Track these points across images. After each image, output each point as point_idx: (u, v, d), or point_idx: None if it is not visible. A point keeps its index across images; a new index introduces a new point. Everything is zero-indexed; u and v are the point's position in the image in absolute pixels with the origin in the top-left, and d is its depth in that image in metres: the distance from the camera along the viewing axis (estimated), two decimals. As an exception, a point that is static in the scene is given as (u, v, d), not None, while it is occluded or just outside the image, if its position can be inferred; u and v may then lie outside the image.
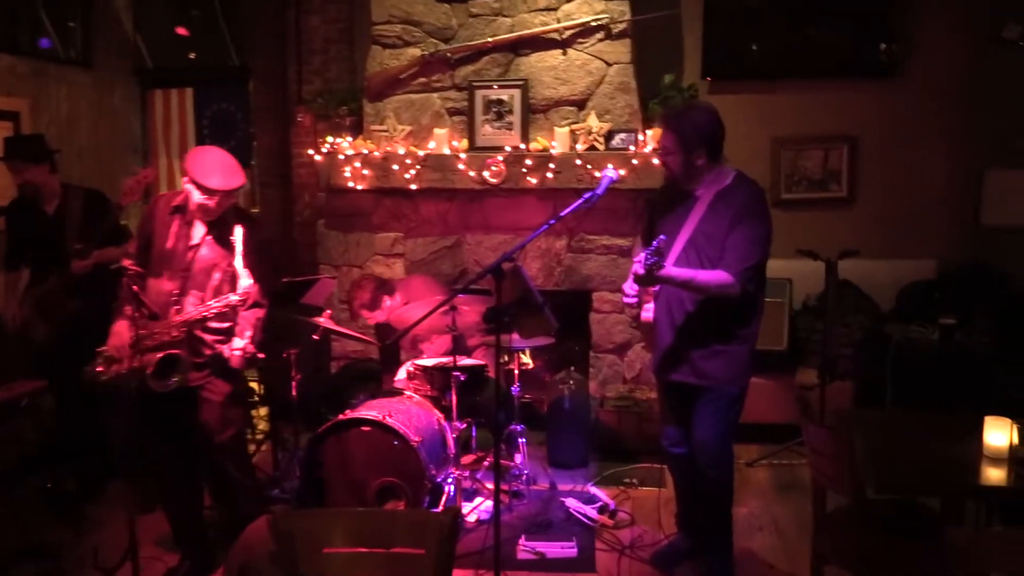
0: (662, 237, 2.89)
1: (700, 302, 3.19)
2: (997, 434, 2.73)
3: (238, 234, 3.21)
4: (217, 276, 3.35)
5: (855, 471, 2.69)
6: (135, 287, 3.08)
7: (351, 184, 5.18)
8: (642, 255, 3.17)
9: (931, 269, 5.37)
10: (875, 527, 2.83)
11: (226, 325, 3.40)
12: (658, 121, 3.27)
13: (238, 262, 3.20)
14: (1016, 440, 2.70)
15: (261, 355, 3.47)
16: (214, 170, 3.26)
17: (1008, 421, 2.73)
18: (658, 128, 3.26)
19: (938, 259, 5.40)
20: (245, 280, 3.21)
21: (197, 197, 3.27)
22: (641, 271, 2.91)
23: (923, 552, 2.73)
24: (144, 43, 6.32)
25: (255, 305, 3.41)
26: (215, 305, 3.26)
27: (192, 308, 3.31)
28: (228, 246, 3.27)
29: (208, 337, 3.38)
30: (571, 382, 4.85)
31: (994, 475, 2.66)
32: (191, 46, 6.45)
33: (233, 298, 3.23)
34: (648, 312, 3.29)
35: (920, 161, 5.45)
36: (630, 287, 3.31)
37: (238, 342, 3.38)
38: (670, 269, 2.98)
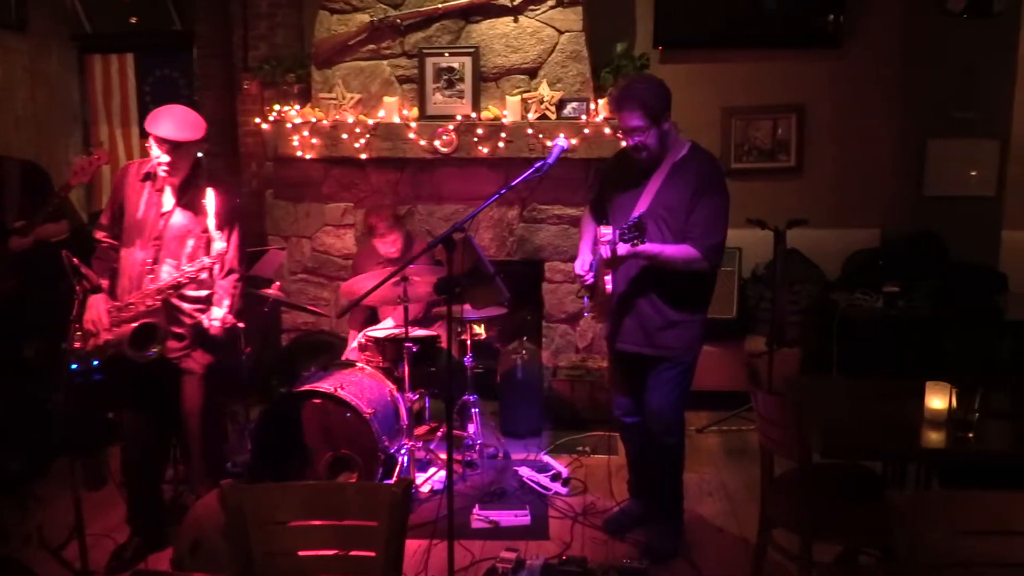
0: (640, 211, 2.88)
1: (657, 274, 3.21)
2: (937, 398, 2.80)
3: (210, 198, 3.15)
4: (191, 243, 3.29)
5: (802, 437, 2.74)
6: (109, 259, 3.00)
7: (299, 153, 5.10)
8: (609, 232, 3.18)
9: (875, 238, 5.48)
10: (821, 491, 2.90)
11: (204, 294, 3.35)
12: (615, 104, 3.20)
13: (211, 225, 3.15)
14: (955, 404, 2.78)
15: (241, 324, 3.43)
16: (165, 120, 3.19)
17: (947, 386, 2.80)
18: (619, 111, 3.19)
19: (882, 228, 5.51)
20: (219, 244, 3.16)
21: (154, 153, 3.21)
22: (607, 254, 2.91)
23: (866, 514, 2.80)
24: (82, 6, 6.09)
25: (230, 272, 3.36)
26: (189, 269, 3.20)
27: (167, 277, 3.26)
28: (200, 211, 3.21)
29: (187, 306, 3.32)
30: (524, 352, 4.86)
31: (933, 438, 2.73)
32: (131, 10, 6.24)
33: (206, 260, 3.18)
34: (609, 283, 3.30)
35: (866, 131, 5.53)
36: (583, 266, 3.31)
37: (216, 311, 3.33)
38: (643, 244, 2.96)
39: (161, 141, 3.19)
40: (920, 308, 4.82)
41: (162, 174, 3.25)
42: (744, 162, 5.64)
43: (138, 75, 6.08)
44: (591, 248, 3.42)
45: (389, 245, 4.43)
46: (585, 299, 3.48)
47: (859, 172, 5.56)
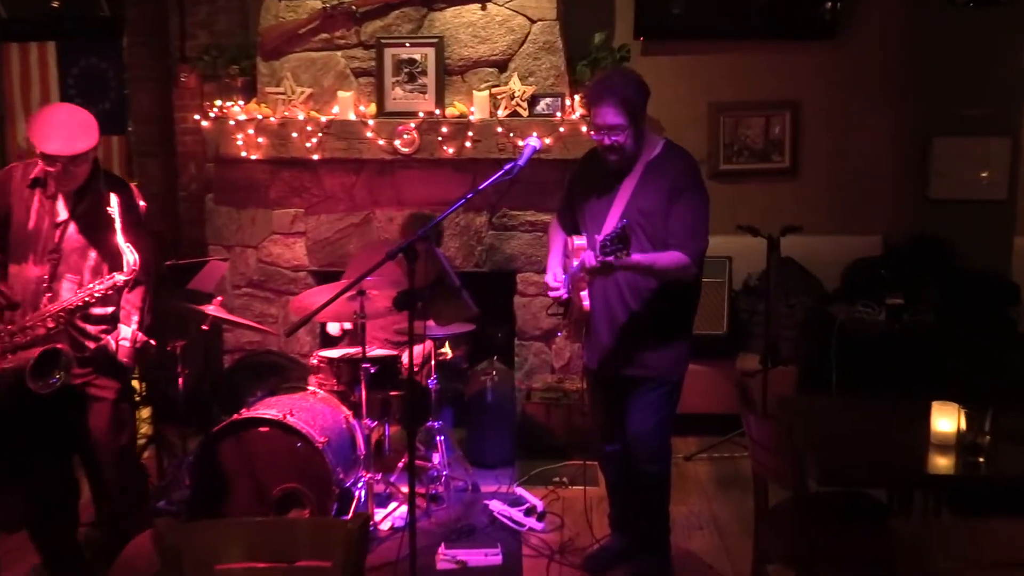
0: (624, 221, 2.88)
1: (637, 286, 3.23)
2: (944, 420, 2.84)
3: (114, 204, 3.08)
4: (94, 255, 3.21)
5: (797, 463, 2.76)
6: None
7: (244, 154, 5.07)
8: (584, 242, 3.19)
9: (877, 245, 5.55)
10: (819, 521, 2.93)
11: (110, 311, 3.28)
12: (592, 97, 3.22)
13: (119, 236, 3.07)
14: (964, 426, 2.81)
15: (153, 342, 3.36)
16: (53, 132, 3.04)
17: (955, 406, 2.83)
18: (595, 107, 3.20)
19: (885, 235, 5.58)
20: (130, 255, 3.08)
21: (44, 164, 3.11)
22: (593, 262, 2.91)
23: (869, 545, 2.83)
24: (-3, -10, 6.03)
25: (137, 284, 3.28)
26: (98, 288, 3.12)
27: (69, 294, 3.16)
28: (102, 220, 3.12)
29: (91, 327, 3.25)
30: (494, 373, 4.86)
31: (941, 463, 2.77)
32: (53, -6, 6.17)
33: (119, 277, 3.11)
34: (586, 299, 3.30)
35: (865, 130, 5.61)
36: (555, 278, 3.33)
37: (125, 330, 3.25)
38: (634, 255, 2.94)
39: (52, 160, 3.07)
40: (926, 321, 4.89)
41: (64, 189, 3.16)
42: (734, 163, 5.70)
43: (60, 66, 6.01)
44: (561, 260, 3.43)
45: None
46: (558, 317, 3.49)
47: (859, 174, 5.64)
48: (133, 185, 3.41)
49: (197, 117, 5.34)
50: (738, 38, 5.54)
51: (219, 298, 4.34)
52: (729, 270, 5.26)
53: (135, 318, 3.29)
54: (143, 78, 5.75)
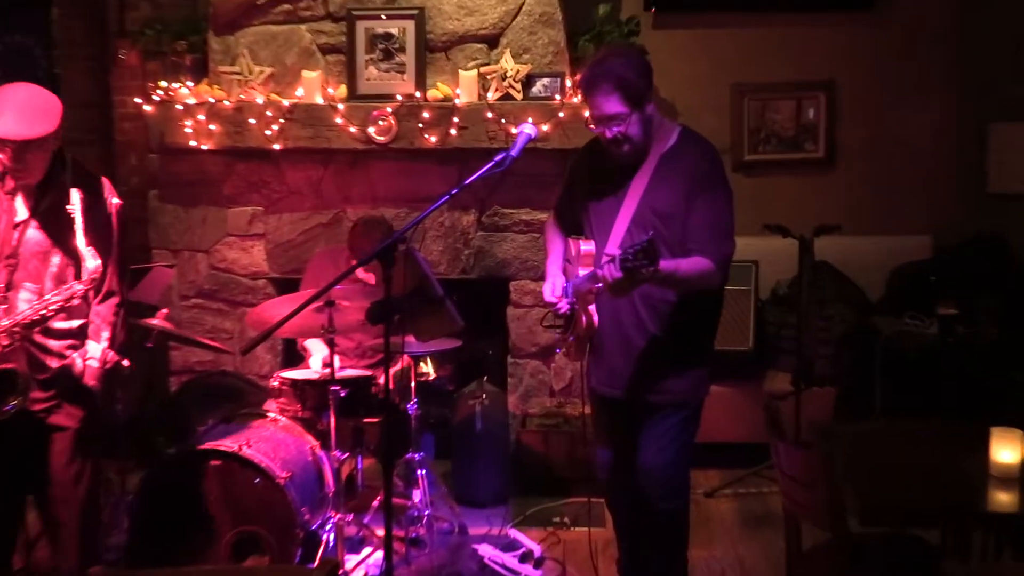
0: (651, 233, 2.86)
1: (653, 299, 3.22)
2: (1006, 449, 2.83)
3: (75, 201, 3.06)
4: (56, 261, 3.17)
5: (835, 499, 2.76)
6: None
7: (193, 143, 5.07)
8: (591, 248, 3.17)
9: (927, 247, 5.56)
10: (862, 567, 2.92)
11: (77, 324, 3.24)
12: (586, 86, 3.21)
13: (79, 238, 3.04)
14: (1028, 455, 2.81)
15: (126, 363, 3.34)
16: (6, 112, 3.00)
17: (1019, 433, 2.82)
18: (590, 95, 3.19)
19: (935, 234, 5.59)
20: (91, 261, 3.06)
21: None
22: (618, 273, 2.86)
23: (919, 596, 2.83)
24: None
25: (109, 295, 3.26)
26: (55, 299, 3.08)
27: (26, 306, 3.13)
28: (66, 219, 3.08)
29: (53, 343, 3.21)
30: (483, 396, 4.85)
31: (1003, 499, 2.76)
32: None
33: (77, 286, 3.08)
34: (596, 315, 3.30)
35: (911, 113, 5.63)
36: (553, 291, 3.31)
37: (93, 347, 3.22)
38: (661, 265, 2.87)
39: (2, 144, 3.03)
40: (984, 334, 4.89)
41: (20, 181, 3.16)
42: (760, 153, 5.71)
43: (-21, 42, 6.01)
44: (562, 266, 3.42)
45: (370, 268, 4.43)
46: (556, 332, 3.48)
47: (905, 164, 5.66)
48: (106, 180, 3.39)
49: (139, 101, 5.33)
50: (764, 9, 5.56)
51: (164, 310, 4.33)
52: (755, 277, 5.26)
53: (105, 334, 3.25)
54: (76, 56, 5.74)
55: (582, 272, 3.25)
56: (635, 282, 2.89)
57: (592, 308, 3.26)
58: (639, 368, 3.28)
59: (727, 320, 4.98)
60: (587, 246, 3.27)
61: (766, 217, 4.89)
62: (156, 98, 5.16)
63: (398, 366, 4.41)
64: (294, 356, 5.08)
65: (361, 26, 5.04)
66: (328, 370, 4.00)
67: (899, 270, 5.45)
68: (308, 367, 4.49)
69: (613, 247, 3.13)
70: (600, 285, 3.00)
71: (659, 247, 2.81)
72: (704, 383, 3.35)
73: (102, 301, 3.26)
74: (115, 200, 3.35)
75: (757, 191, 5.47)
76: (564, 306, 3.29)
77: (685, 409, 3.32)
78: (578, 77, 4.94)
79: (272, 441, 3.88)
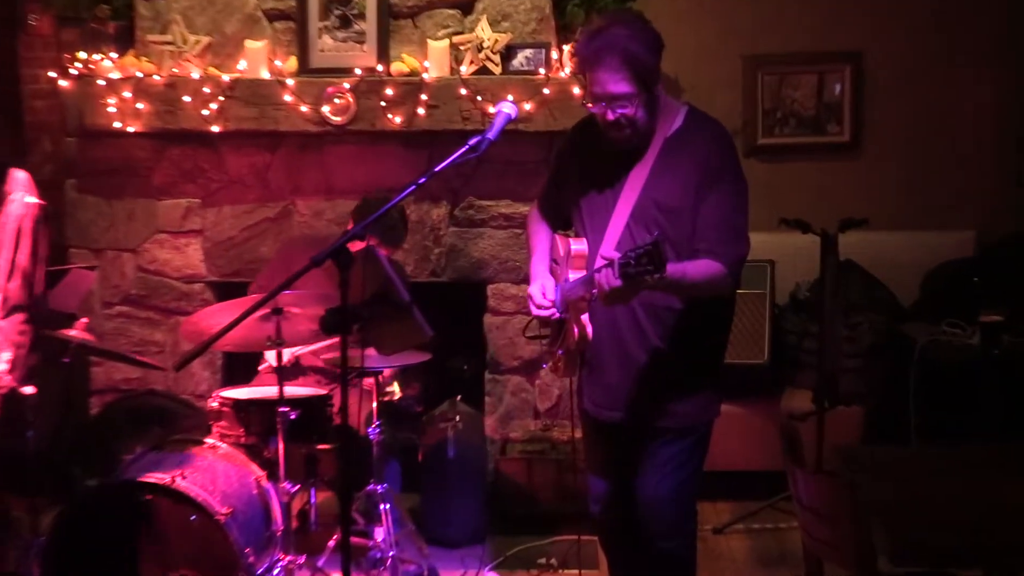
0: (657, 234, 2.82)
1: (656, 306, 3.22)
2: (1060, 477, 2.85)
3: None
4: None
5: (862, 535, 2.77)
6: None
7: (118, 124, 5.05)
8: (583, 248, 3.16)
9: (968, 244, 5.59)
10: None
11: None
12: (587, 58, 3.18)
13: None
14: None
15: (28, 390, 3.36)
16: None
17: (1075, 457, 2.85)
18: (592, 70, 3.17)
19: (978, 230, 5.62)
20: None
21: None
22: (616, 281, 2.84)
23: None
24: None
25: (14, 310, 3.29)
26: None
27: None
28: None
29: None
30: (457, 419, 4.85)
31: (1055, 535, 2.78)
32: None
33: None
34: (590, 326, 3.28)
35: (952, 90, 5.66)
36: (543, 295, 3.28)
37: None
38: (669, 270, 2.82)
39: None
40: (1034, 345, 4.92)
41: None
42: (777, 136, 5.73)
43: None
44: (549, 265, 3.41)
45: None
46: (542, 344, 3.46)
47: (944, 149, 5.69)
48: (16, 173, 3.37)
49: (53, 75, 5.30)
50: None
51: (84, 320, 4.30)
52: (771, 279, 5.28)
53: (6, 355, 3.27)
54: (-23, 23, 5.72)
55: (572, 276, 3.23)
56: (636, 290, 2.88)
57: (585, 318, 3.23)
58: (639, 386, 3.28)
59: (739, 329, 4.99)
60: (579, 245, 3.26)
61: (783, 210, 4.91)
62: (73, 72, 5.12)
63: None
64: (236, 372, 5.06)
65: (314, -12, 5.04)
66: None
67: (936, 271, 5.47)
68: (258, 383, 4.48)
69: (609, 247, 3.11)
70: (596, 291, 2.98)
71: (666, 249, 2.77)
72: (713, 403, 3.35)
73: (5, 315, 3.25)
74: (29, 199, 3.33)
75: (773, 180, 5.49)
76: (554, 312, 3.27)
77: (692, 433, 3.32)
78: (567, 48, 4.97)
79: (210, 472, 3.85)
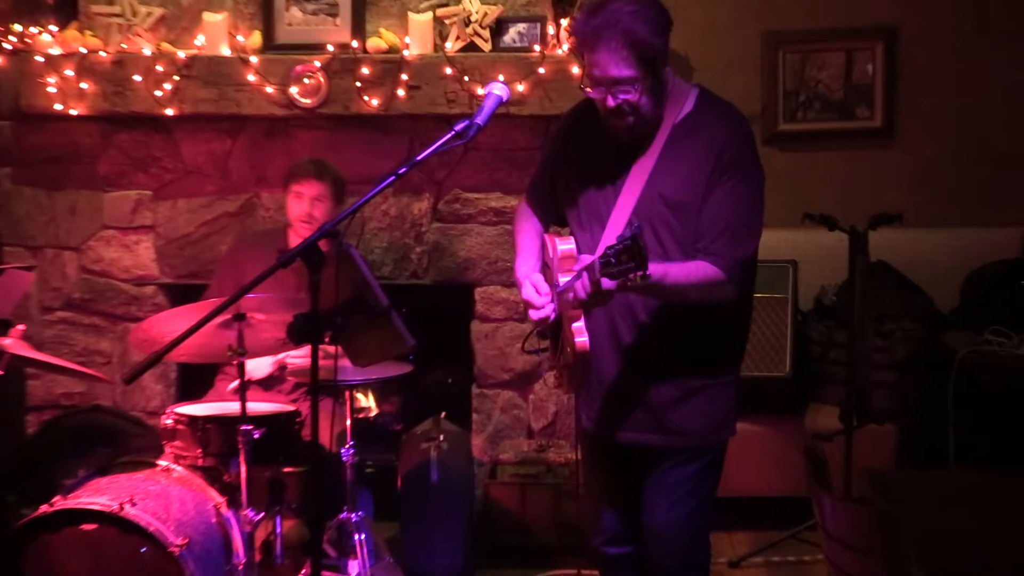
0: (635, 226, 2.82)
1: (659, 311, 3.22)
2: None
3: None
4: None
5: (897, 569, 2.78)
6: None
7: (59, 106, 5.05)
8: (571, 247, 3.17)
9: (1014, 242, 5.59)
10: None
11: None
12: (585, 38, 3.17)
13: None
14: None
15: None
16: None
17: None
18: (592, 51, 3.16)
19: (1025, 227, 5.65)
20: None
21: None
22: (583, 293, 2.86)
23: None
24: None
25: None
26: None
27: None
28: None
29: None
30: (441, 438, 4.85)
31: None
32: None
33: None
34: (583, 334, 3.25)
35: (996, 70, 5.66)
36: (535, 296, 3.26)
37: None
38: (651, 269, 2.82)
39: None
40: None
41: None
42: (800, 121, 5.73)
43: None
44: (539, 265, 3.40)
45: (305, 203, 4.49)
46: (543, 355, 3.46)
47: (987, 137, 5.68)
48: None
49: (-14, 51, 5.31)
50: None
51: (20, 327, 4.31)
52: (793, 281, 5.27)
53: None
54: None
55: (563, 279, 3.21)
56: (612, 293, 2.90)
57: (578, 326, 3.21)
58: (643, 400, 3.28)
59: (758, 338, 5.00)
60: (566, 245, 3.25)
61: (807, 204, 4.92)
62: (7, 47, 5.12)
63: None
64: (192, 386, 5.06)
65: (280, -45, 5.05)
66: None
67: (979, 273, 5.47)
68: (215, 398, 4.48)
69: (604, 242, 3.11)
70: (572, 297, 2.99)
71: (645, 243, 2.76)
72: (729, 420, 3.36)
73: None
74: None
75: (795, 171, 5.49)
76: (550, 312, 3.23)
77: (704, 455, 3.33)
78: (564, 23, 4.98)
79: (163, 498, 3.85)
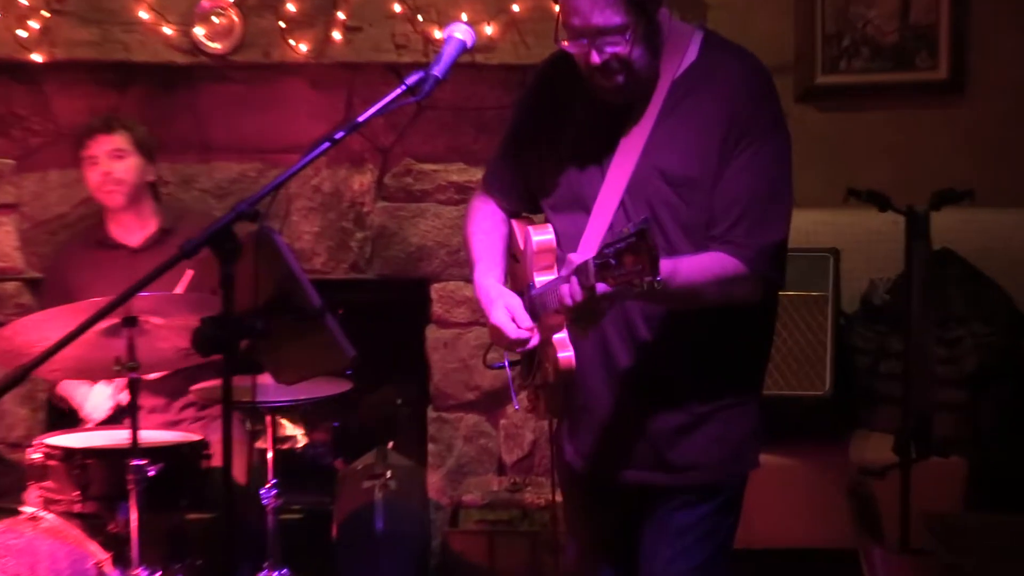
0: (644, 219, 2.80)
1: (665, 316, 3.24)
2: None
3: None
4: None
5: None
6: None
7: None
8: (549, 237, 3.20)
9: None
10: None
11: None
12: None
13: None
14: None
15: None
16: None
17: None
18: None
19: None
20: None
21: None
22: (570, 300, 2.85)
23: None
24: None
25: None
26: None
27: None
28: None
29: None
30: (388, 475, 4.86)
31: None
32: None
33: None
34: (567, 349, 3.25)
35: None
36: (516, 320, 3.23)
37: None
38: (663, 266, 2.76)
39: None
40: None
41: None
42: (843, 72, 5.76)
43: None
44: (504, 270, 3.42)
45: (101, 165, 4.52)
46: (508, 373, 3.46)
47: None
48: None
49: None
50: None
51: None
52: (834, 276, 5.29)
53: None
54: None
55: (539, 280, 3.23)
56: (611, 304, 2.90)
57: (560, 338, 3.21)
58: (641, 428, 3.31)
59: (789, 346, 5.01)
60: (542, 235, 3.26)
61: (851, 177, 4.93)
62: None
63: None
64: (67, 411, 5.07)
65: None
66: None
67: (1070, 264, 5.53)
68: (88, 426, 4.49)
69: (595, 238, 3.13)
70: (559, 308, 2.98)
71: (655, 241, 2.71)
72: (748, 450, 3.38)
73: None
74: None
75: (837, 135, 5.52)
76: (534, 340, 3.23)
77: (718, 494, 3.35)
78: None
79: (29, 555, 3.86)
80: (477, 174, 5.10)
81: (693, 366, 3.25)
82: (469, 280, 5.06)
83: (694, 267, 3.04)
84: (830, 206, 4.92)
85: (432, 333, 5.25)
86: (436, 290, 5.24)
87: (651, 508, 3.36)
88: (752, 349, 3.37)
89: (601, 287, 2.78)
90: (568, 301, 2.87)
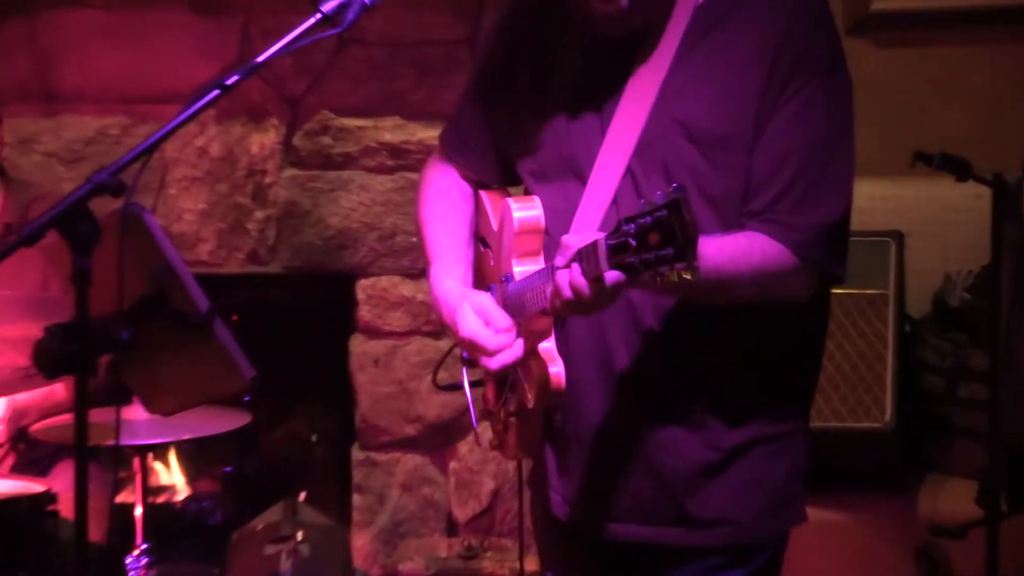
0: (676, 188, 2.76)
1: (682, 318, 3.22)
2: None
3: None
4: None
5: None
6: None
7: None
8: (537, 212, 3.18)
9: None
10: None
11: None
12: None
13: None
14: None
15: None
16: None
17: None
18: None
19: None
20: None
21: None
22: (568, 292, 2.81)
23: None
24: None
25: None
26: None
27: None
28: None
29: None
30: (299, 537, 4.87)
31: None
32: None
33: None
34: (556, 363, 3.24)
35: None
36: (492, 324, 3.21)
37: None
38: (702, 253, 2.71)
39: None
40: None
41: None
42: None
43: None
44: (472, 264, 3.42)
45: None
46: (469, 396, 3.45)
47: None
48: None
49: None
50: None
51: None
52: (897, 267, 5.34)
53: None
54: None
55: (520, 270, 3.21)
56: (618, 293, 2.87)
57: (546, 347, 3.21)
58: (652, 466, 3.31)
59: (836, 363, 5.04)
60: (526, 211, 3.24)
61: (919, 138, 4.97)
62: None
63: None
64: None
65: None
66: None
67: None
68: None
69: (594, 213, 3.14)
70: (552, 303, 2.95)
71: (693, 215, 2.60)
72: (791, 500, 3.39)
73: None
74: None
75: (900, 80, 5.56)
76: (516, 353, 3.20)
77: (753, 556, 3.35)
78: None
79: None
80: (419, 132, 5.12)
81: (720, 384, 3.24)
82: (410, 272, 5.13)
83: (726, 251, 2.98)
84: (891, 175, 4.96)
85: (358, 346, 5.25)
86: (363, 288, 5.24)
87: (662, 574, 3.36)
88: (797, 364, 3.34)
89: (612, 275, 2.69)
90: (567, 294, 2.78)
